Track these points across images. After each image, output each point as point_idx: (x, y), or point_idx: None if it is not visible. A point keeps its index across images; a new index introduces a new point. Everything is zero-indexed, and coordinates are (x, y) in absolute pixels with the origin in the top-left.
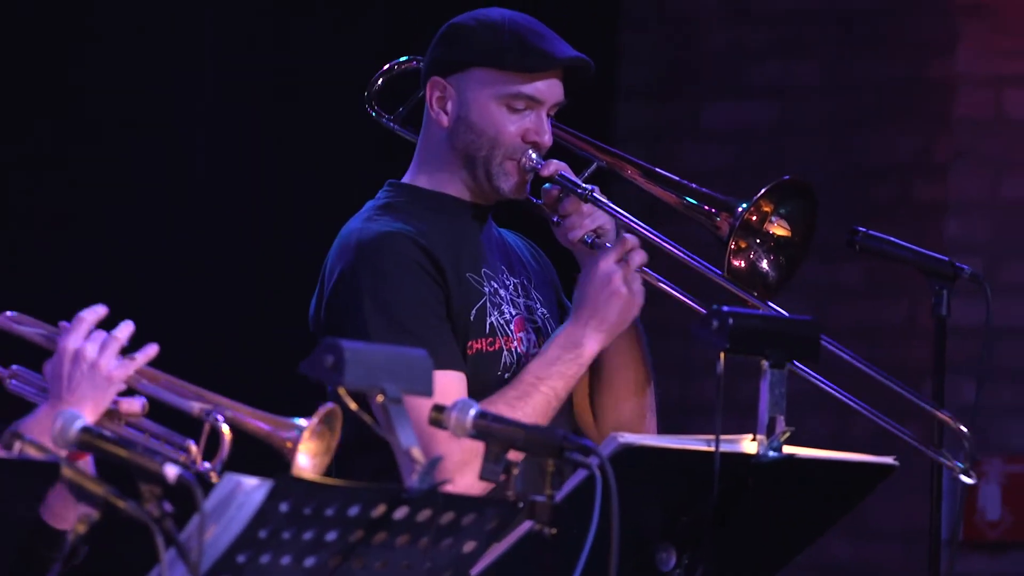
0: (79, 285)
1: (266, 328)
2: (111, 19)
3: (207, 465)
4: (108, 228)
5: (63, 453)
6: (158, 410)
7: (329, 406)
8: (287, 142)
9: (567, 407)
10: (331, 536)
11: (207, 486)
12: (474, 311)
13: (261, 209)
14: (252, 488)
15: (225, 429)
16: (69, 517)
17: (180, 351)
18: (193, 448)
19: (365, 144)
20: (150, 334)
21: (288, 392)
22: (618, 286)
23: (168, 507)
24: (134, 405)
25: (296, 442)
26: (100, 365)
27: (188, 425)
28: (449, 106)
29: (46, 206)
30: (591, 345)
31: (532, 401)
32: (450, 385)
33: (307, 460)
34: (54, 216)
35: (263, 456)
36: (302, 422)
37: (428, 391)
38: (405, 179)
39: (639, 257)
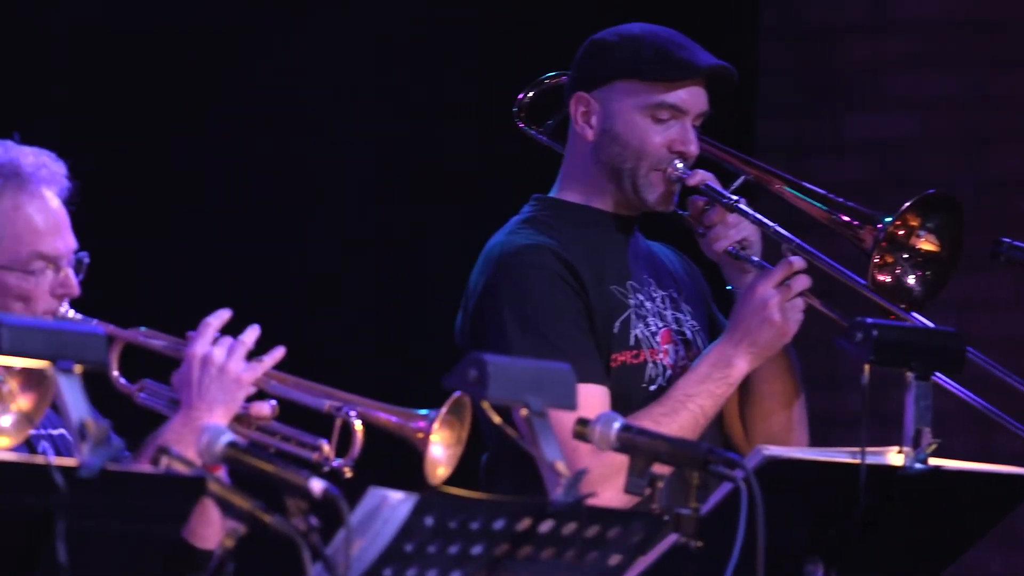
0: (210, 295)
1: (408, 339)
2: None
3: (340, 462)
4: (242, 238)
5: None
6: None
7: (456, 394)
8: (435, 155)
9: (717, 420)
10: (477, 550)
11: (346, 489)
12: (618, 323)
13: (405, 221)
14: (398, 502)
15: (357, 425)
16: (209, 536)
17: (318, 367)
18: (326, 447)
19: (514, 158)
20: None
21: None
22: (772, 312)
23: (315, 521)
24: (264, 408)
25: (428, 432)
26: (229, 368)
27: (315, 427)
28: (594, 120)
29: (169, 217)
30: (741, 366)
31: (679, 418)
32: (593, 398)
33: (440, 450)
34: (178, 225)
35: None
36: (431, 412)
37: (572, 404)
38: (551, 193)
39: (801, 282)
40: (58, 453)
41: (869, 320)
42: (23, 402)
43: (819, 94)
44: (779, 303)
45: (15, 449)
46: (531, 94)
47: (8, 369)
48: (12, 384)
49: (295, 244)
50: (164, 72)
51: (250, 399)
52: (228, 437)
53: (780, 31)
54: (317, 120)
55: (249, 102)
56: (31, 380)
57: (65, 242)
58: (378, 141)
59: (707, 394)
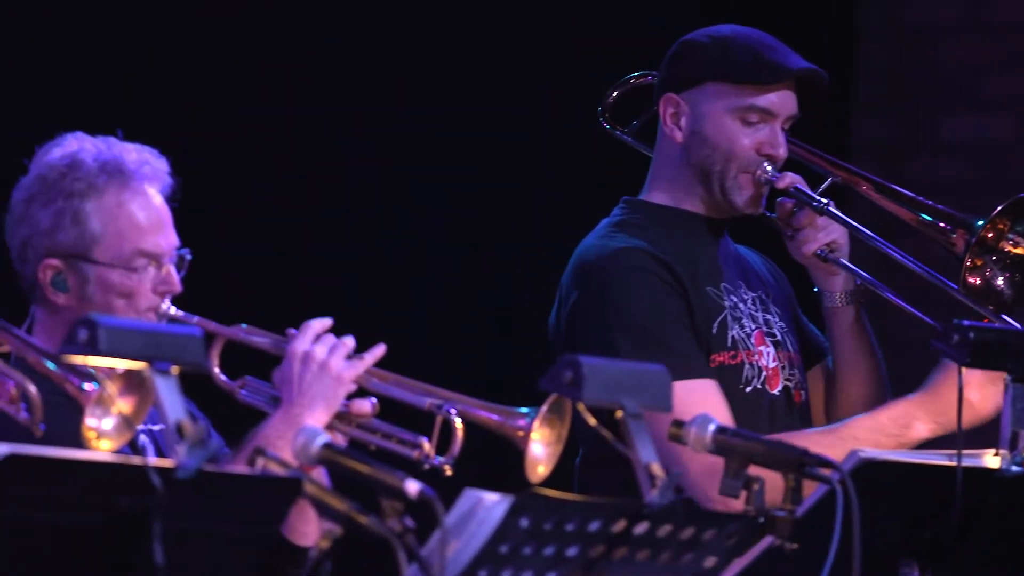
0: (308, 294)
1: (498, 340)
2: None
3: (440, 460)
4: (341, 238)
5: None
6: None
7: (557, 394)
8: (525, 156)
9: (806, 419)
10: (572, 552)
11: (448, 493)
12: (716, 324)
13: (494, 223)
14: (493, 503)
15: (458, 423)
16: (309, 533)
17: (414, 365)
18: (426, 444)
19: (601, 161)
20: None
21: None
22: (970, 392)
23: (410, 522)
24: (364, 406)
25: (528, 430)
26: (330, 365)
27: (415, 424)
28: (683, 122)
29: (272, 216)
30: (920, 431)
31: (833, 454)
32: (708, 392)
33: (540, 449)
34: (279, 224)
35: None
36: (532, 411)
37: (667, 406)
38: (640, 195)
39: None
40: (157, 448)
41: (965, 322)
42: (124, 405)
43: (916, 95)
44: (979, 383)
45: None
46: (616, 94)
47: (109, 373)
48: (113, 388)
49: (390, 243)
50: (256, 71)
51: (351, 397)
52: (323, 438)
53: (877, 32)
54: (410, 121)
55: (338, 100)
56: (132, 383)
57: (167, 239)
58: (466, 142)
59: (874, 444)
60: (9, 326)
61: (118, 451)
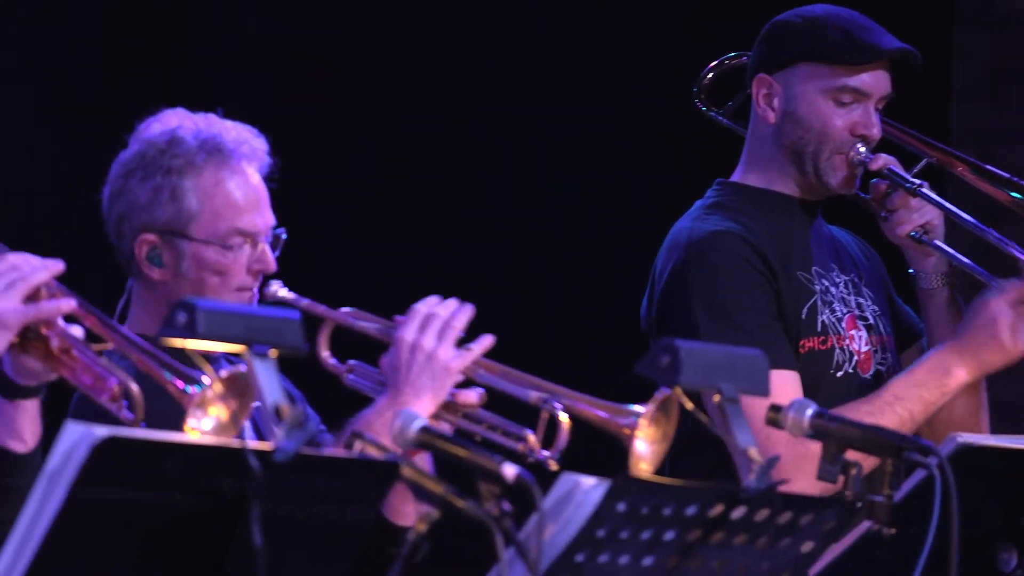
0: (412, 281)
1: (595, 325)
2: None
3: (545, 454)
4: (443, 225)
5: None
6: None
7: (665, 392)
8: (617, 139)
9: None
10: (669, 535)
11: (545, 478)
12: (805, 309)
13: (586, 207)
14: (590, 487)
15: (563, 417)
16: (409, 514)
17: (511, 348)
18: (531, 437)
19: (695, 143)
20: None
21: (618, 388)
22: (1002, 331)
23: (507, 506)
24: (471, 396)
25: (634, 428)
26: (438, 355)
27: (522, 416)
28: (776, 103)
29: (378, 202)
30: (960, 376)
31: (884, 419)
32: (786, 384)
33: (645, 447)
34: (384, 210)
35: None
36: (639, 409)
37: (765, 391)
38: (734, 177)
39: None
40: (256, 428)
41: None
42: (224, 409)
43: (1014, 80)
44: (1010, 323)
45: None
46: (711, 75)
47: (213, 376)
48: (217, 389)
49: (490, 231)
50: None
51: (458, 386)
52: (421, 422)
53: (975, 16)
54: (507, 107)
55: (445, 85)
56: (234, 387)
57: (263, 218)
58: (561, 128)
59: (918, 399)
60: (112, 322)
61: None
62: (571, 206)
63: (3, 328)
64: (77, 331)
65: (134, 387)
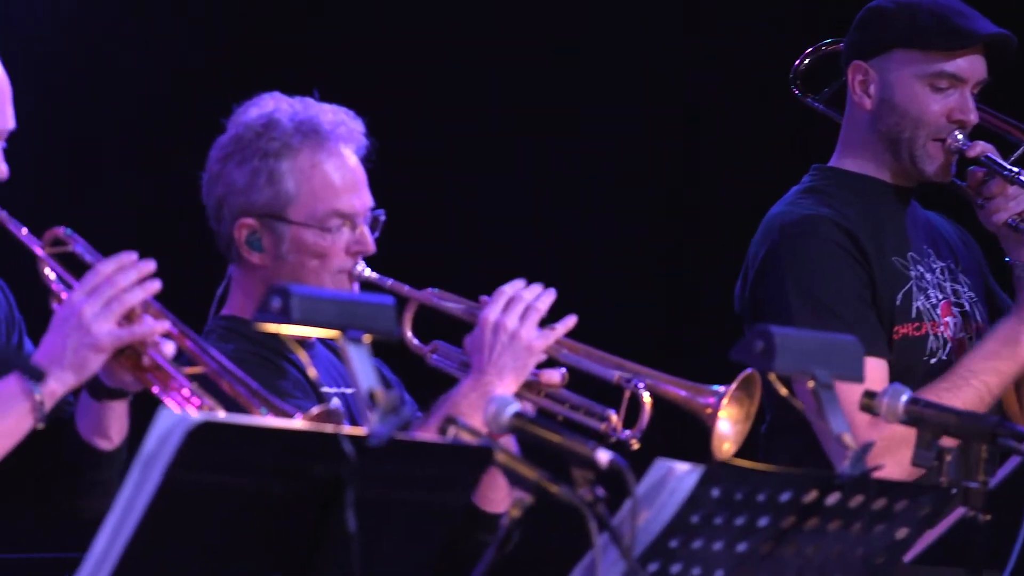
0: (496, 261)
1: (686, 309)
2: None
3: (627, 433)
4: (537, 210)
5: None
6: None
7: (748, 371)
8: (714, 124)
9: None
10: (763, 522)
11: (631, 459)
12: (900, 295)
13: (682, 191)
14: (684, 473)
15: (646, 396)
16: (499, 500)
17: (594, 331)
18: (614, 417)
19: (793, 129)
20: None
21: (701, 372)
22: None
23: (601, 492)
24: (554, 376)
25: (716, 408)
26: (521, 335)
27: (604, 396)
28: (872, 89)
29: (464, 183)
30: None
31: (962, 395)
32: (873, 371)
33: (728, 426)
34: (469, 191)
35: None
36: (721, 388)
37: (859, 377)
38: (830, 163)
39: None
40: (349, 411)
41: None
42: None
43: None
44: None
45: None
46: (807, 61)
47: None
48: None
49: (576, 212)
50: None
51: (540, 366)
52: (515, 407)
53: None
54: (601, 93)
55: (534, 72)
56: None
57: (362, 200)
58: (655, 112)
59: (993, 371)
60: (207, 346)
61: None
62: (663, 189)
63: (98, 351)
64: (169, 348)
65: (222, 415)
